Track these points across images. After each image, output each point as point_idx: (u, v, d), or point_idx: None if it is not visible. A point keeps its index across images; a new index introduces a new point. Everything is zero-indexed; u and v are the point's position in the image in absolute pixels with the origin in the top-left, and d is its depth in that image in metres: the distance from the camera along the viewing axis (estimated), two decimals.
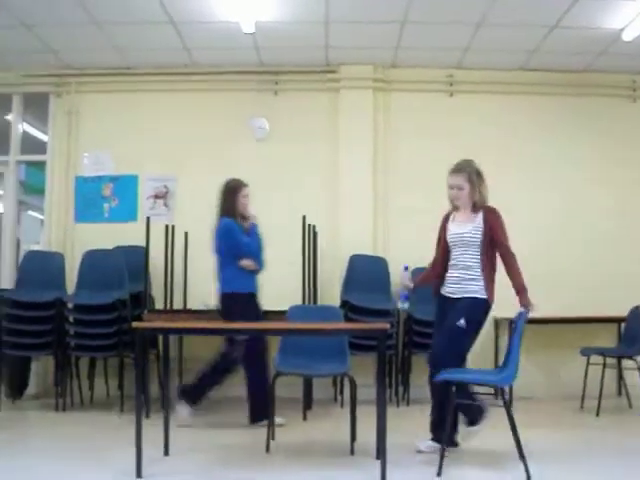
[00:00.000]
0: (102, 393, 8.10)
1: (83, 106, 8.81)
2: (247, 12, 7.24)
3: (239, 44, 8.01)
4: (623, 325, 7.90)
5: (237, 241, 6.65)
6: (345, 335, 6.15)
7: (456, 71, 8.74)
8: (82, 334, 7.48)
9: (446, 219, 5.68)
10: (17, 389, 7.90)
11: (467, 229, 5.45)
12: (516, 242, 7.83)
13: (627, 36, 7.54)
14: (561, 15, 7.23)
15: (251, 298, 6.68)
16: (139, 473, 4.71)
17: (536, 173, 8.68)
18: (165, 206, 8.64)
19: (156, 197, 8.67)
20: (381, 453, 4.75)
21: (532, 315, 5.35)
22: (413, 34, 7.79)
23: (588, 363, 7.57)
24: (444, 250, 5.57)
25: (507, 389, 5.49)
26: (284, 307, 6.43)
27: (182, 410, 6.49)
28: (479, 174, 5.59)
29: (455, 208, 5.62)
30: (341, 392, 7.86)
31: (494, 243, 5.44)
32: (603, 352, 7.49)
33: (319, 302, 7.73)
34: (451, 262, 5.52)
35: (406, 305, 5.92)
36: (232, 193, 6.83)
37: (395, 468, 4.87)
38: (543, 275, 8.27)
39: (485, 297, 5.36)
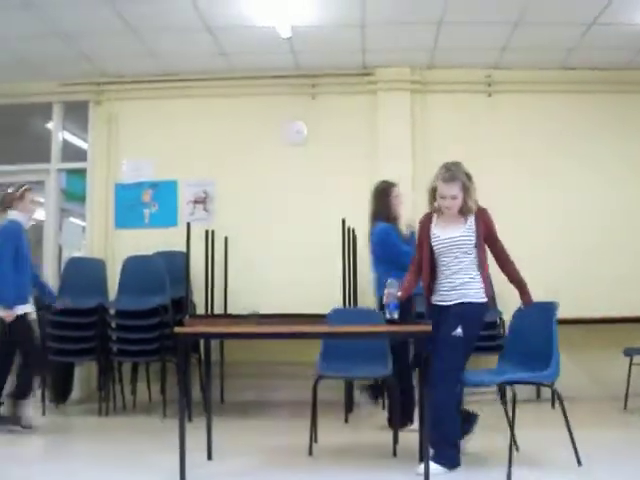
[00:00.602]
0: (144, 397, 8.14)
1: (122, 113, 8.90)
2: (283, 17, 7.27)
3: (276, 49, 8.04)
4: None
5: (397, 249, 6.43)
6: (386, 338, 6.13)
7: (494, 71, 8.68)
8: (124, 339, 7.53)
9: (427, 221, 5.35)
10: (61, 394, 7.98)
11: (459, 232, 5.16)
12: (570, 241, 7.80)
13: None
14: (599, 12, 7.16)
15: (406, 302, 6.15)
16: (183, 477, 4.72)
17: (578, 172, 8.58)
18: (205, 211, 8.69)
19: (195, 202, 8.72)
20: (425, 455, 4.73)
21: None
22: (450, 35, 7.75)
23: (631, 363, 7.48)
24: (428, 256, 5.26)
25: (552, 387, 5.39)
26: (326, 310, 6.42)
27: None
28: (469, 178, 5.23)
29: (437, 211, 5.32)
30: (383, 395, 7.82)
31: (489, 242, 5.20)
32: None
33: (359, 305, 7.71)
34: (441, 268, 5.22)
35: (396, 315, 5.37)
36: (383, 195, 6.68)
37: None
38: (590, 274, 8.25)
39: (483, 300, 5.12)
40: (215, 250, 8.33)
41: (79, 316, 7.52)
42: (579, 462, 4.99)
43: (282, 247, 8.50)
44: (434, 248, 5.22)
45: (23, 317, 6.67)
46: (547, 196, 8.49)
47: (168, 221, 8.69)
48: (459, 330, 5.00)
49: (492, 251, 5.24)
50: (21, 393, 6.63)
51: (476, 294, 5.12)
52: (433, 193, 5.30)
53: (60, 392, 7.97)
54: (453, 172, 5.19)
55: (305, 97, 8.78)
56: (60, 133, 9.16)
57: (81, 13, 7.17)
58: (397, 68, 8.61)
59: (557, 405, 5.30)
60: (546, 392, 5.98)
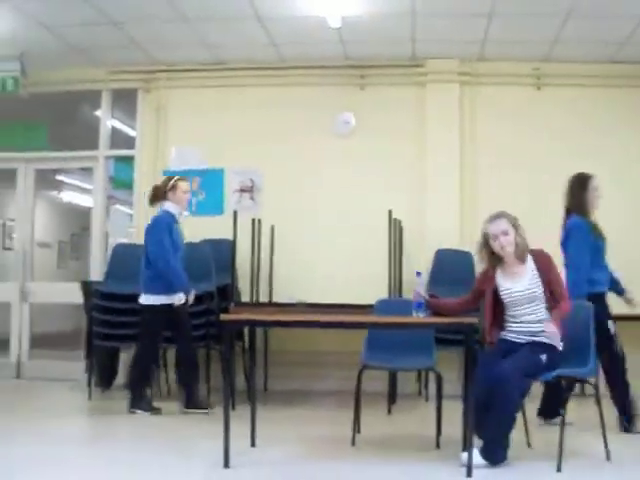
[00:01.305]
0: None
1: (171, 101, 8.96)
2: (333, 6, 7.26)
3: (325, 38, 8.04)
4: None
5: (584, 246, 6.13)
6: (432, 329, 6.12)
7: (544, 64, 8.59)
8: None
9: (488, 273, 5.33)
10: (106, 379, 8.07)
11: (526, 283, 5.14)
12: (622, 239, 7.63)
13: None
14: None
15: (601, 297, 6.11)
16: (227, 464, 4.76)
17: (623, 165, 8.47)
18: (251, 200, 8.72)
19: (242, 191, 8.75)
20: (468, 447, 4.72)
21: None
22: (500, 27, 7.68)
23: None
24: (492, 303, 5.28)
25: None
26: (370, 301, 6.42)
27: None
28: (516, 218, 5.26)
29: (494, 263, 5.27)
30: (426, 386, 7.82)
31: (550, 287, 5.15)
32: None
33: (405, 296, 7.69)
34: (516, 319, 5.21)
35: (421, 314, 5.35)
36: (581, 187, 6.32)
37: (481, 461, 4.85)
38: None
39: (561, 349, 5.06)
40: (261, 239, 8.36)
41: (125, 301, 7.58)
42: (608, 458, 4.99)
43: (328, 237, 8.52)
44: (505, 300, 5.22)
45: (170, 306, 6.82)
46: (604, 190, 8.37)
47: (215, 209, 8.75)
48: (544, 357, 4.99)
49: (549, 294, 5.17)
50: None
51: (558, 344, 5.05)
52: (485, 246, 5.29)
53: (105, 377, 8.06)
54: (497, 212, 5.26)
55: (354, 88, 8.77)
56: (109, 120, 9.24)
57: (132, 0, 7.23)
58: (447, 60, 8.56)
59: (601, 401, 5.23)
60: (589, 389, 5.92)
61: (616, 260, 6.32)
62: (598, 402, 5.16)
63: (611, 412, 5.43)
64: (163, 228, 6.82)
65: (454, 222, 8.42)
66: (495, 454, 4.85)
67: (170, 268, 6.77)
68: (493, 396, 4.84)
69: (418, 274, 5.59)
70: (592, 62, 8.48)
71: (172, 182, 6.97)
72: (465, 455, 4.72)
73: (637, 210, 8.39)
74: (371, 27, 7.77)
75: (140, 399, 6.85)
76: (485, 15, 7.43)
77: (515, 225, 5.19)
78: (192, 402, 6.86)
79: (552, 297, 5.14)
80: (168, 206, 6.95)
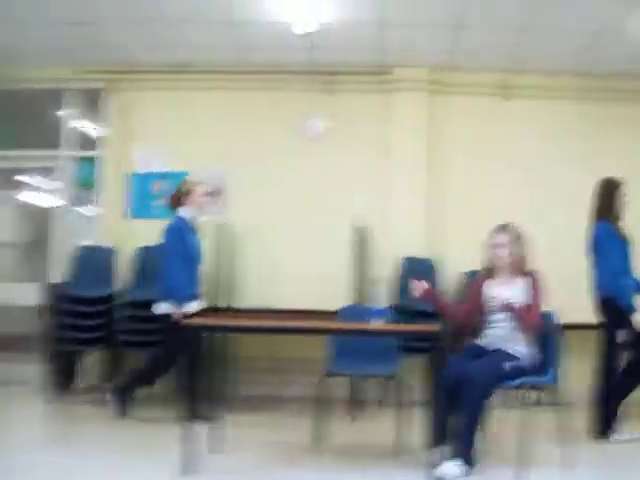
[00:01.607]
0: (152, 389, 8.11)
1: (136, 103, 8.86)
2: (302, 13, 7.26)
3: (293, 45, 8.02)
4: None
5: (613, 252, 6.23)
6: (396, 337, 6.12)
7: (512, 75, 8.65)
8: (133, 330, 7.50)
9: (483, 278, 5.54)
10: (65, 383, 7.96)
11: (511, 294, 5.30)
12: (573, 246, 7.73)
13: None
14: (613, 20, 7.13)
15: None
16: (192, 469, 4.72)
17: (592, 177, 8.53)
18: (216, 204, 8.66)
19: (207, 194, 8.67)
20: (430, 454, 4.75)
21: None
22: (469, 38, 7.74)
23: None
24: (474, 308, 5.47)
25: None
26: (334, 307, 6.41)
27: None
28: (519, 233, 5.48)
29: (490, 272, 5.50)
30: (389, 393, 7.82)
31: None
32: None
33: (368, 303, 7.69)
34: (492, 324, 5.37)
35: (381, 321, 5.46)
36: (609, 192, 6.40)
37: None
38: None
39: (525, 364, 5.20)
40: (226, 243, 8.30)
41: (88, 305, 7.51)
42: (568, 465, 5.11)
43: (293, 243, 8.49)
44: (487, 305, 5.38)
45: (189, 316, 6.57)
46: (560, 201, 8.46)
47: None
48: (508, 365, 5.06)
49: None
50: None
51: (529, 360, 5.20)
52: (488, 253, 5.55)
53: (64, 381, 7.94)
54: (504, 225, 5.47)
55: (322, 94, 8.74)
56: (73, 121, 9.13)
57: (99, 1, 7.15)
58: (415, 68, 8.57)
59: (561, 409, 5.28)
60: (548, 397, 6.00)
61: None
62: (559, 410, 5.21)
63: (573, 420, 5.45)
64: (173, 235, 6.74)
65: (420, 228, 8.44)
66: (467, 454, 4.85)
67: (170, 274, 6.65)
68: (458, 395, 4.89)
69: (376, 281, 5.65)
70: (559, 74, 8.57)
71: (187, 187, 6.90)
72: (440, 469, 4.72)
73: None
74: (340, 34, 7.77)
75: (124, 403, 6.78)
76: (454, 26, 7.48)
77: (516, 239, 5.38)
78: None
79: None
80: (182, 211, 6.88)
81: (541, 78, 8.62)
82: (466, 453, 4.85)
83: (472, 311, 5.51)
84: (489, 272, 5.48)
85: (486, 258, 5.53)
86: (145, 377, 6.94)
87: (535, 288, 5.29)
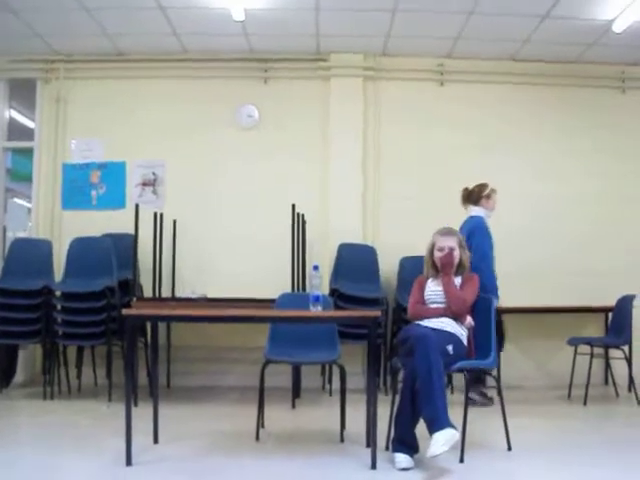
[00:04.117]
0: (90, 382, 8.05)
1: (71, 92, 8.74)
2: None
3: (229, 31, 7.97)
4: (610, 315, 7.94)
5: None
6: (335, 323, 6.14)
7: (447, 60, 8.72)
8: (70, 322, 7.42)
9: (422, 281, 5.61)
10: (4, 378, 7.84)
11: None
12: (507, 227, 7.92)
13: (617, 27, 7.55)
14: (552, 5, 7.22)
15: None
16: (129, 461, 4.69)
17: (525, 162, 8.70)
18: (154, 193, 8.60)
19: (144, 184, 8.62)
20: (372, 440, 4.75)
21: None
22: (404, 22, 7.75)
23: (576, 353, 7.60)
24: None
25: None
26: (273, 295, 6.40)
27: None
28: (462, 238, 5.65)
29: (429, 274, 5.56)
30: (330, 381, 7.85)
31: None
32: (590, 342, 7.53)
33: (307, 291, 7.70)
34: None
35: (319, 307, 5.36)
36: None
37: (384, 455, 4.93)
38: (533, 264, 8.35)
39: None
40: (164, 233, 8.25)
41: (24, 298, 7.41)
42: (509, 447, 5.16)
43: (232, 232, 8.47)
44: (426, 298, 5.47)
45: None
46: (492, 183, 8.55)
47: (116, 203, 8.58)
48: (450, 348, 5.06)
49: None
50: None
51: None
52: (431, 255, 5.55)
53: (3, 375, 7.83)
54: (450, 228, 5.62)
55: (258, 81, 8.73)
56: (6, 111, 8.98)
57: None
58: (350, 54, 8.58)
59: (503, 393, 5.34)
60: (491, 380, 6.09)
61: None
62: (499, 393, 5.27)
63: (510, 402, 5.52)
64: (483, 232, 7.03)
65: (357, 217, 8.48)
66: (444, 418, 4.66)
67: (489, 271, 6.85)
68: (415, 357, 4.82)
69: (315, 267, 5.64)
70: (494, 59, 8.66)
71: (489, 190, 7.23)
72: (430, 450, 4.59)
73: (539, 201, 8.65)
74: (275, 20, 7.74)
75: None
76: (389, 10, 7.48)
77: (462, 245, 5.53)
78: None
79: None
80: (477, 211, 7.18)
81: (476, 63, 8.69)
82: (444, 417, 4.67)
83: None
84: (431, 273, 5.55)
85: (427, 259, 5.57)
86: None
87: (468, 284, 5.41)
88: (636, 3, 7.03)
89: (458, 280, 5.44)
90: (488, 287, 6.45)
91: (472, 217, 7.18)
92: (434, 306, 5.39)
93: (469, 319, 5.28)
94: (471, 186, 7.29)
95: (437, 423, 4.62)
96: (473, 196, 7.26)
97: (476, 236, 6.92)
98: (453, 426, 4.63)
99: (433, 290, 5.45)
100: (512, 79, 8.72)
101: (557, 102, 8.78)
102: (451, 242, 5.47)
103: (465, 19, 7.63)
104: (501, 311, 6.91)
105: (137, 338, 7.34)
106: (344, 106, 8.59)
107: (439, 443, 4.54)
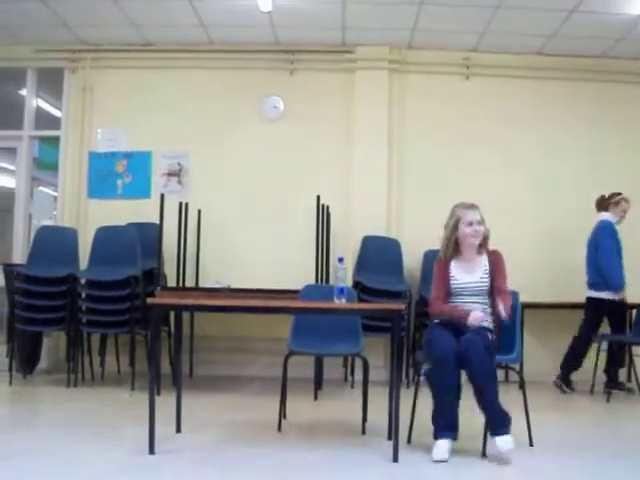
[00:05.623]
0: (113, 370, 8.11)
1: (98, 82, 8.79)
2: None
3: (256, 22, 7.98)
4: (634, 312, 7.89)
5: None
6: (359, 315, 6.14)
7: (473, 54, 8.69)
8: (94, 310, 7.48)
9: (444, 262, 5.33)
10: (28, 364, 7.91)
11: (478, 276, 5.23)
12: (530, 226, 7.92)
13: None
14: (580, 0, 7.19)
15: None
16: (152, 449, 4.71)
17: (552, 158, 8.64)
18: (179, 183, 8.63)
19: (170, 174, 8.66)
20: (394, 433, 4.75)
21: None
22: (430, 16, 7.73)
23: (599, 349, 7.57)
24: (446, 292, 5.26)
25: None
26: (297, 286, 6.42)
27: None
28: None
29: (450, 255, 5.31)
30: (352, 373, 7.86)
31: (495, 283, 5.21)
32: (614, 339, 7.51)
33: (331, 283, 7.70)
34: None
35: (343, 300, 5.30)
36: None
37: (406, 448, 4.94)
38: (560, 261, 8.31)
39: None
40: (188, 224, 8.28)
41: (49, 285, 7.46)
42: (531, 443, 5.15)
43: (256, 222, 8.51)
44: (453, 289, 5.22)
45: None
46: (521, 181, 8.54)
47: (141, 192, 8.63)
48: (491, 335, 5.06)
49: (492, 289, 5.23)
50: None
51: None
52: (454, 232, 5.29)
53: (28, 362, 7.90)
54: (471, 203, 5.35)
55: (283, 72, 8.74)
56: (34, 100, 9.04)
57: None
58: (376, 47, 8.56)
59: (526, 387, 5.32)
60: (514, 375, 6.08)
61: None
62: (522, 387, 5.26)
63: (534, 397, 5.50)
64: (609, 234, 7.61)
65: (381, 209, 8.48)
66: (508, 422, 4.81)
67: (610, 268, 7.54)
68: (468, 365, 4.81)
69: (340, 260, 5.63)
70: (520, 53, 8.62)
71: (618, 198, 7.78)
72: (499, 440, 4.72)
73: (553, 200, 8.65)
74: (302, 12, 7.75)
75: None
76: (415, 3, 7.47)
77: (483, 219, 5.28)
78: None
79: (493, 291, 5.19)
80: (606, 216, 7.73)
81: (501, 56, 8.65)
82: (507, 421, 4.81)
83: (445, 296, 5.28)
84: (451, 253, 5.31)
85: (449, 237, 5.31)
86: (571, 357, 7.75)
87: (499, 270, 5.26)
88: None
89: (484, 260, 5.26)
90: (609, 282, 7.50)
91: (601, 221, 7.70)
92: (462, 300, 5.20)
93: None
94: (607, 194, 7.82)
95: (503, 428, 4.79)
96: (603, 203, 7.81)
97: (601, 236, 7.61)
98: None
99: (462, 282, 5.21)
100: (538, 74, 8.69)
101: (584, 97, 8.73)
102: (478, 215, 5.26)
103: (492, 13, 7.60)
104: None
105: (161, 327, 7.37)
106: (369, 99, 8.58)
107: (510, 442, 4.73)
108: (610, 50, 8.42)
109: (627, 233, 7.77)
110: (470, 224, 5.23)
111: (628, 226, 7.81)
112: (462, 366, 4.86)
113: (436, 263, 5.39)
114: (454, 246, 5.30)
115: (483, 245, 5.31)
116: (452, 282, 5.23)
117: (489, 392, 4.81)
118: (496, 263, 5.27)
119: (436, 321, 5.27)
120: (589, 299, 7.67)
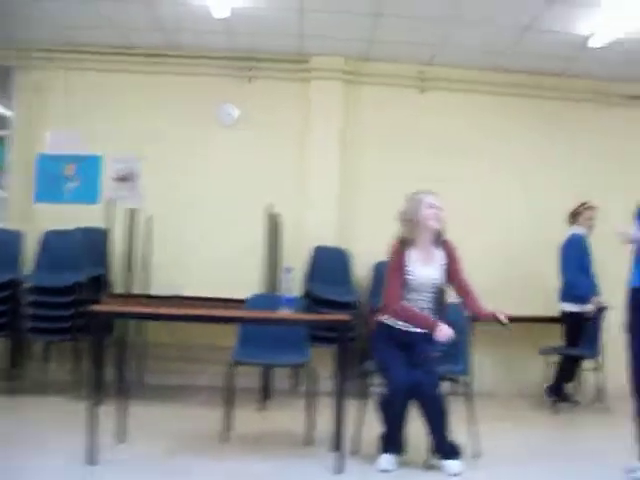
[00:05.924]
0: (57, 377, 7.96)
1: (49, 82, 8.59)
2: None
3: (213, 28, 7.89)
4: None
5: None
6: (306, 326, 6.10)
7: (428, 67, 8.71)
8: (38, 316, 7.31)
9: (401, 248, 5.20)
10: None
11: (434, 270, 5.15)
12: (482, 241, 7.97)
13: (594, 43, 7.59)
14: (534, 18, 7.22)
15: None
16: (93, 460, 4.63)
17: (501, 172, 8.71)
18: (129, 189, 8.52)
19: (119, 179, 8.55)
20: (339, 444, 4.76)
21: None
22: (386, 28, 7.72)
23: (547, 362, 7.64)
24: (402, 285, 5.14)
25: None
26: (244, 295, 6.36)
27: None
28: None
29: (408, 242, 5.20)
30: (300, 383, 7.82)
31: (453, 275, 5.20)
32: (562, 352, 7.58)
33: (279, 292, 7.65)
34: (409, 303, 5.13)
35: (290, 310, 5.39)
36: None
37: (351, 459, 4.95)
38: (506, 275, 8.35)
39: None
40: (138, 229, 8.17)
41: None
42: (477, 454, 5.23)
43: (207, 230, 8.41)
44: (408, 283, 5.11)
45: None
46: (468, 194, 8.55)
47: (90, 197, 8.48)
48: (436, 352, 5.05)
49: (454, 283, 5.23)
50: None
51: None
52: (415, 213, 5.22)
53: None
54: (429, 190, 5.30)
55: (240, 80, 8.66)
56: None
57: None
58: (332, 57, 8.55)
59: (475, 400, 5.35)
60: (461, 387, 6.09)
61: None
62: (469, 400, 5.26)
63: (481, 410, 5.51)
64: (572, 247, 7.71)
65: (333, 219, 8.47)
66: (457, 450, 4.97)
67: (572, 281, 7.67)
68: (419, 401, 4.88)
69: (287, 270, 5.60)
70: (474, 68, 8.66)
71: (581, 208, 7.86)
72: (448, 463, 4.85)
73: (502, 213, 8.70)
74: (259, 20, 7.67)
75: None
76: (372, 15, 7.45)
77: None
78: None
79: (460, 287, 5.21)
80: (575, 229, 7.85)
81: (456, 71, 8.68)
82: (456, 449, 4.96)
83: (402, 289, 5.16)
84: (406, 242, 5.20)
85: (411, 218, 5.21)
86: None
87: (457, 262, 5.22)
88: (612, 22, 7.05)
89: (441, 253, 5.17)
90: (573, 294, 7.60)
91: (570, 234, 7.79)
92: (417, 297, 5.11)
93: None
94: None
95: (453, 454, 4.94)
96: (571, 216, 7.93)
97: (565, 249, 7.73)
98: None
99: (419, 277, 5.10)
100: (491, 89, 8.73)
101: (536, 114, 8.79)
102: (438, 201, 5.20)
103: (447, 28, 7.61)
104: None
105: (104, 334, 7.25)
106: (324, 109, 8.56)
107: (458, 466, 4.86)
108: (562, 68, 8.49)
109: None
110: (431, 207, 5.17)
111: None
112: (412, 396, 4.89)
113: (393, 250, 5.23)
114: (412, 231, 5.19)
115: (439, 236, 5.23)
116: (409, 277, 5.11)
117: (439, 426, 4.92)
118: (453, 255, 5.23)
119: (384, 320, 5.17)
120: (563, 313, 7.72)
